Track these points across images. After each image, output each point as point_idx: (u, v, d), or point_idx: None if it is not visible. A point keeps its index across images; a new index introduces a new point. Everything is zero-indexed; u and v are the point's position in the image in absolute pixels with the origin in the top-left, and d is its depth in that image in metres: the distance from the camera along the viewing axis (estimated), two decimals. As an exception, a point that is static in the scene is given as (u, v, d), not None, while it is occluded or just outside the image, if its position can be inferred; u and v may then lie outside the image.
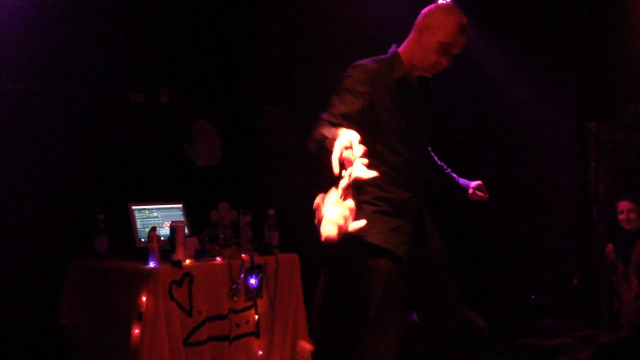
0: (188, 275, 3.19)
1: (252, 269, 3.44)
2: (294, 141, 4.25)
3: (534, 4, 5.34)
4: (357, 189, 2.48)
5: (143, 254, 3.24)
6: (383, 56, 2.71)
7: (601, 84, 5.48)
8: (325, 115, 2.46)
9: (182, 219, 3.67)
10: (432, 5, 2.67)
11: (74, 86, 3.62)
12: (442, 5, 2.70)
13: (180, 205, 3.74)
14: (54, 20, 3.51)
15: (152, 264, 3.15)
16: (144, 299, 3.05)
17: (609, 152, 5.48)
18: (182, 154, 4.00)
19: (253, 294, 3.44)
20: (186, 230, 3.50)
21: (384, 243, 2.66)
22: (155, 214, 3.63)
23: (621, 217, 4.63)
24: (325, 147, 2.17)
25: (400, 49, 2.70)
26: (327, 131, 2.26)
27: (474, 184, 3.02)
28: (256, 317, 3.46)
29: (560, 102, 5.60)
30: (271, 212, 3.66)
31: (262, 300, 3.49)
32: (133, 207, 3.56)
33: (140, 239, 3.51)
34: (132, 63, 3.83)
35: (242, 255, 3.47)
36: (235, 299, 3.36)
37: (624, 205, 4.62)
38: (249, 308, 3.44)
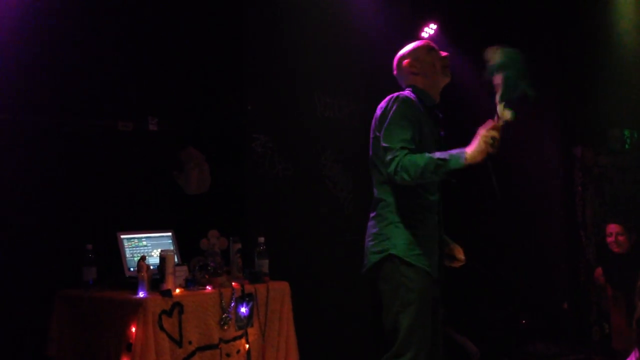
0: (178, 304, 3.15)
1: (243, 298, 3.41)
2: (283, 168, 4.25)
3: (516, 31, 5.42)
4: (395, 209, 2.83)
5: (132, 284, 3.20)
6: (404, 92, 2.97)
7: (585, 110, 5.56)
8: (390, 147, 2.74)
9: (171, 247, 3.64)
10: (405, 52, 3.07)
11: (60, 114, 3.60)
12: (414, 47, 3.08)
13: (170, 234, 3.71)
14: (40, 49, 3.50)
15: (141, 294, 3.11)
16: (133, 329, 3.00)
17: (594, 176, 5.54)
18: (171, 181, 3.98)
19: (244, 323, 3.41)
20: (176, 259, 3.47)
21: (423, 265, 2.81)
22: (144, 243, 3.60)
23: (610, 239, 4.66)
24: (456, 166, 2.66)
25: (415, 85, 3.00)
26: (438, 158, 2.67)
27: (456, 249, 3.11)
28: (247, 346, 3.42)
29: (545, 127, 5.66)
30: (261, 239, 3.65)
31: (253, 329, 3.45)
32: (122, 236, 3.52)
33: (129, 269, 3.47)
34: (120, 91, 3.82)
35: (233, 283, 3.44)
36: (225, 328, 3.32)
37: (612, 228, 4.65)
38: (239, 337, 3.40)
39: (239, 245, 3.64)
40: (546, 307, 5.22)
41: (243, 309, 3.40)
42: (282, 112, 4.29)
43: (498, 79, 2.68)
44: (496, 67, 2.69)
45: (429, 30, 5.34)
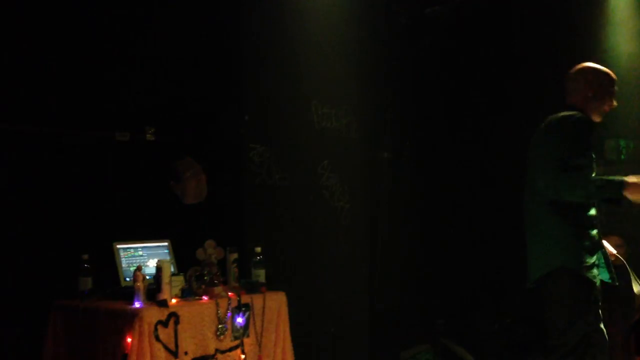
0: (174, 315, 3.14)
1: (239, 308, 3.40)
2: (280, 178, 4.26)
3: (513, 40, 5.46)
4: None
5: (128, 294, 3.19)
6: (571, 110, 3.15)
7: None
8: (570, 168, 2.98)
9: (168, 257, 3.63)
10: (588, 68, 3.28)
11: (57, 125, 3.60)
12: (594, 68, 3.30)
13: (166, 244, 3.71)
14: (37, 59, 3.50)
15: (137, 304, 3.10)
16: (128, 339, 2.99)
17: (591, 187, 5.52)
18: (168, 191, 3.98)
19: (240, 333, 3.41)
20: (172, 269, 3.46)
21: None
22: (140, 253, 3.59)
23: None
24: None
25: (579, 106, 3.21)
26: (609, 183, 3.00)
27: None
28: (243, 356, 3.41)
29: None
30: (258, 249, 3.65)
31: (249, 340, 3.45)
32: (118, 246, 3.51)
33: (125, 279, 3.46)
34: (117, 101, 3.83)
35: (229, 293, 3.43)
36: (221, 338, 3.32)
37: (611, 240, 4.63)
38: (235, 348, 3.40)
39: (236, 255, 3.64)
40: (543, 319, 5.21)
41: (239, 319, 3.39)
42: (279, 122, 4.31)
43: None
44: None
45: (427, 42, 5.37)
